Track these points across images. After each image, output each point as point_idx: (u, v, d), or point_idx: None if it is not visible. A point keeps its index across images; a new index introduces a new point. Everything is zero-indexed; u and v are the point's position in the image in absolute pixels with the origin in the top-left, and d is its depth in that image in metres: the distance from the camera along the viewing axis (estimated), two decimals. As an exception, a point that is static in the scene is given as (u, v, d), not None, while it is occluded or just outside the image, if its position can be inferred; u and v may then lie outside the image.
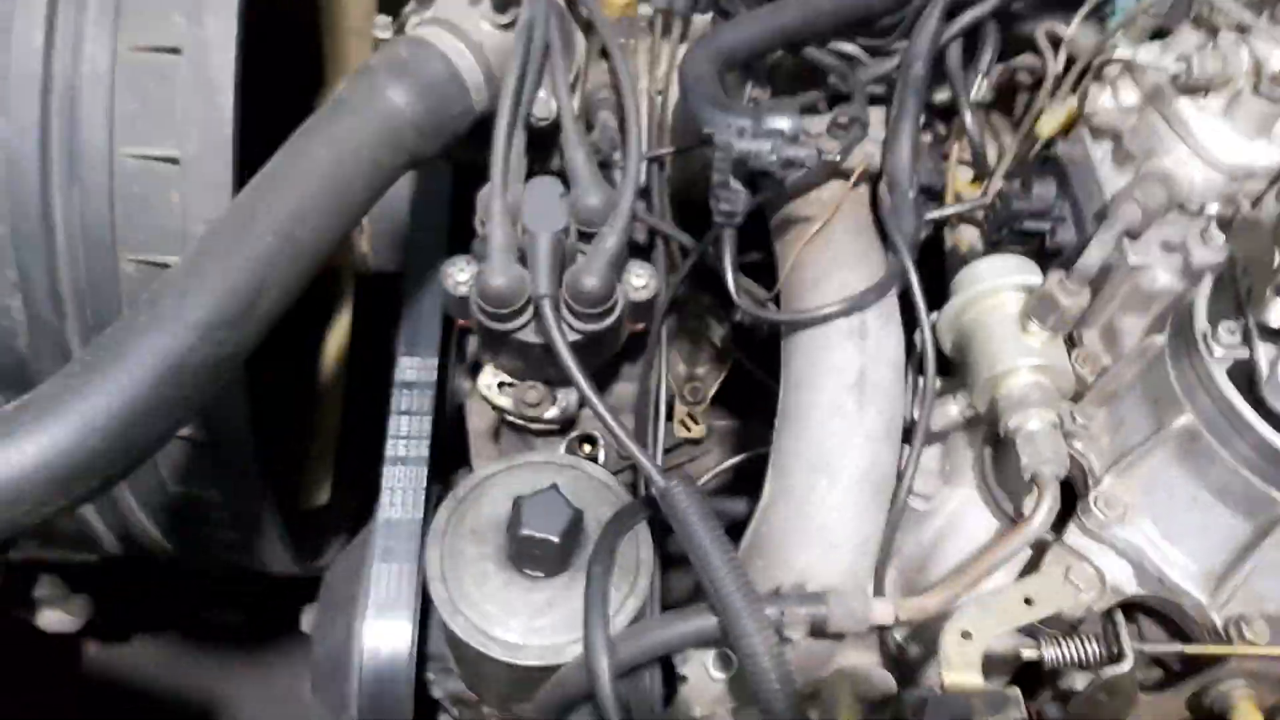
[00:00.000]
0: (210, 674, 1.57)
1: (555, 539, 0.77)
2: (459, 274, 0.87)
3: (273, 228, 0.72)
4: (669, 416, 1.15)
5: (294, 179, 0.76)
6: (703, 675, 0.78)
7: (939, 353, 0.81)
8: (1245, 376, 0.66)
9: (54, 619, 1.25)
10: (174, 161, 0.89)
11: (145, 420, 0.64)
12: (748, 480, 1.00)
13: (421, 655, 0.92)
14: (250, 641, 1.59)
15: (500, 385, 0.98)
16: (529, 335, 0.86)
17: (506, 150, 0.86)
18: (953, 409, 0.78)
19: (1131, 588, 0.69)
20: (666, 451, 1.19)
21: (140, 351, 0.65)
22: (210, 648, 1.57)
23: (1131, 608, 0.71)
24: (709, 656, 0.79)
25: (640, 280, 0.91)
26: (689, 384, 1.15)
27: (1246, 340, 0.66)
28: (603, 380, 1.10)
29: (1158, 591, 0.69)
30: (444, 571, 0.81)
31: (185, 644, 1.56)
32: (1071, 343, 0.79)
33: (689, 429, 1.15)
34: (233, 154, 0.87)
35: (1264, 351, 0.65)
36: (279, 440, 1.08)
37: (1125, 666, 0.63)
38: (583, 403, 0.90)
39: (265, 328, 0.72)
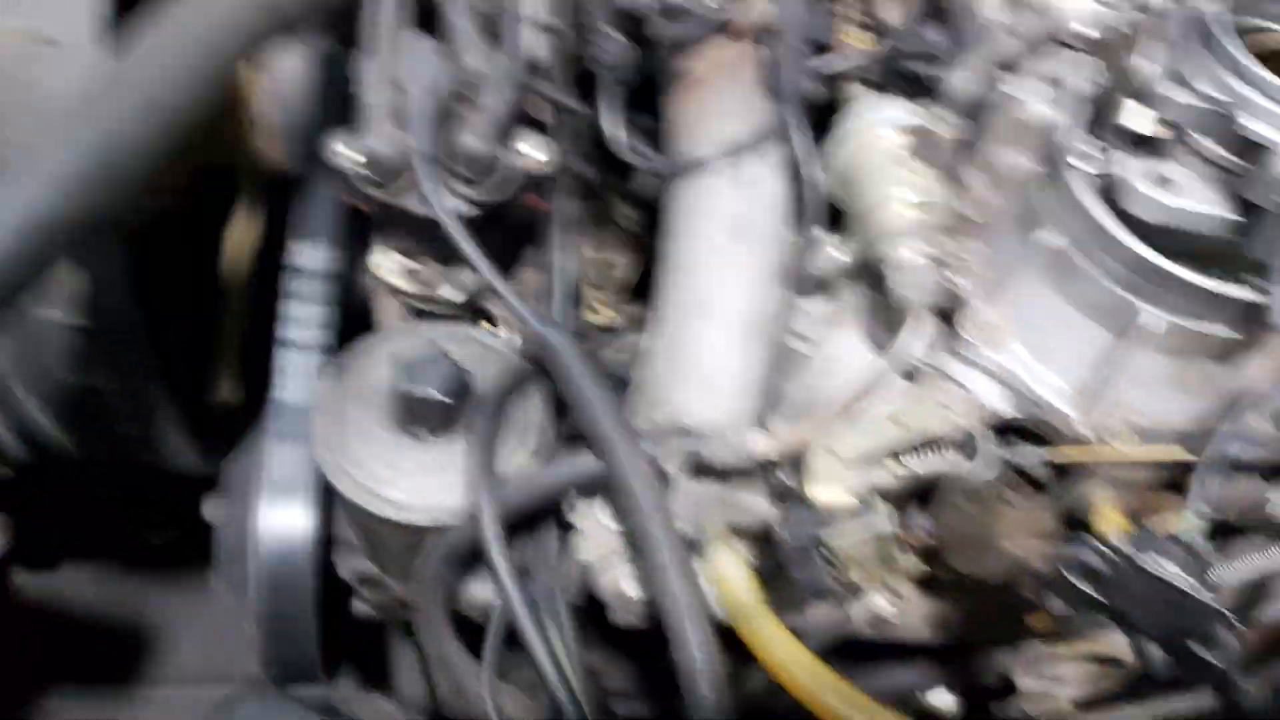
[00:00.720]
0: (145, 598, 1.55)
1: (439, 396, 0.76)
2: (341, 147, 0.86)
3: (135, 87, 0.71)
4: (577, 302, 1.15)
5: (158, 44, 0.74)
6: (596, 526, 0.78)
7: (832, 207, 0.81)
8: (1108, 191, 0.66)
9: (-31, 541, 1.23)
10: (49, 42, 0.87)
11: None
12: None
13: (329, 538, 0.92)
14: (186, 564, 1.57)
15: (397, 268, 0.97)
16: (415, 204, 0.85)
17: (382, 11, 0.84)
18: (835, 253, 0.78)
19: (1003, 407, 0.70)
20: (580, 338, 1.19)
21: None
22: (144, 572, 1.55)
23: (1008, 433, 0.72)
24: (601, 507, 0.79)
25: (533, 150, 0.89)
26: (600, 269, 1.15)
27: (1109, 155, 0.66)
28: (510, 266, 1.09)
29: (1029, 411, 0.70)
30: (330, 436, 0.80)
31: (117, 569, 1.55)
32: (957, 184, 0.79)
33: (598, 313, 1.14)
34: (108, 30, 0.86)
35: (1123, 162, 0.65)
36: (182, 336, 1.07)
37: (986, 471, 0.64)
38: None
39: (127, 188, 0.70)
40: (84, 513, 1.42)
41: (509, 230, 0.98)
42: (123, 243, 0.86)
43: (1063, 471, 0.68)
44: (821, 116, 0.90)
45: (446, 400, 0.75)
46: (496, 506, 0.71)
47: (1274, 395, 0.69)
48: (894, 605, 0.80)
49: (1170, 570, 0.55)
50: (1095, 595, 0.57)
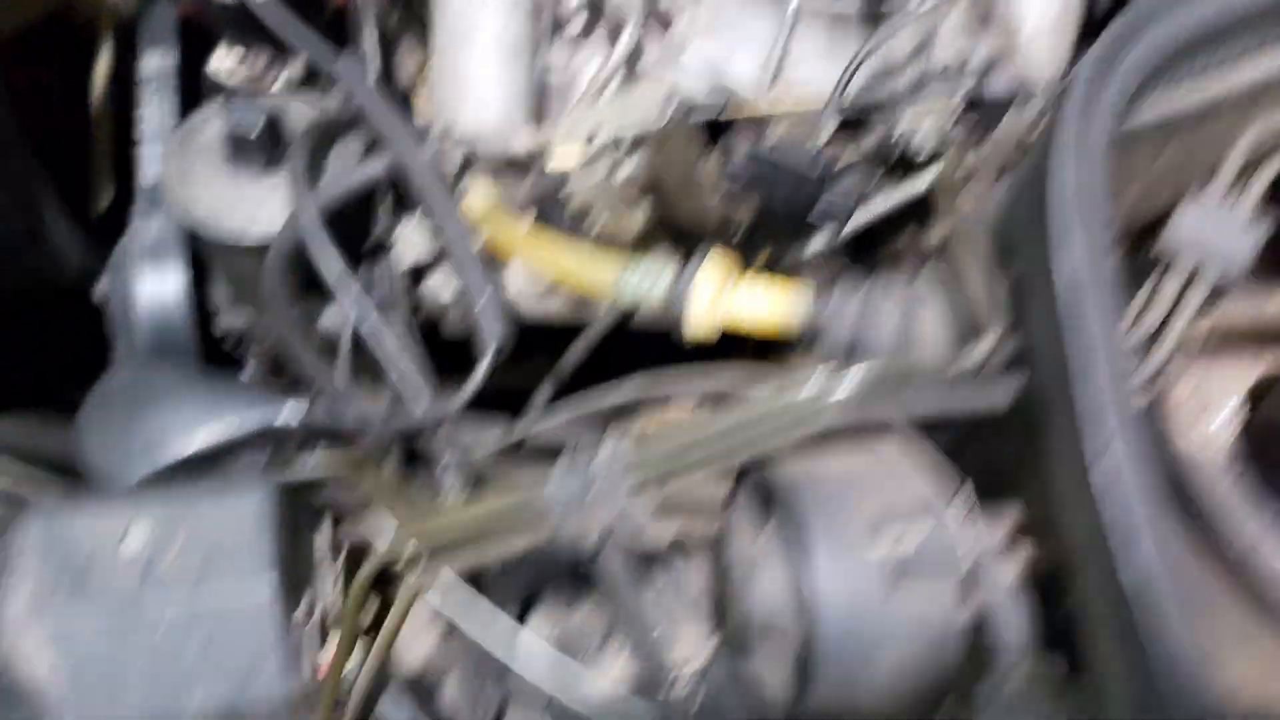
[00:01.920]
0: None
1: (257, 127, 0.92)
2: (159, -47, 1.01)
3: None
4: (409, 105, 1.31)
5: None
6: (409, 233, 0.96)
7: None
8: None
9: None
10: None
11: None
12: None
13: (205, 304, 1.09)
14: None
15: (229, 64, 1.12)
16: (224, -6, 1.00)
17: None
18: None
19: (702, 96, 0.89)
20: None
21: None
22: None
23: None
24: (417, 222, 0.97)
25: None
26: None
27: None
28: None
29: (725, 96, 0.89)
30: (177, 185, 0.96)
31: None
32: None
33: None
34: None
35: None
36: (61, 152, 1.22)
37: (671, 123, 0.83)
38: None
39: None
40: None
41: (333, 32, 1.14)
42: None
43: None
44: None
45: (260, 129, 0.91)
46: (311, 201, 0.88)
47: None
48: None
49: (791, 158, 0.75)
50: (750, 184, 0.76)
